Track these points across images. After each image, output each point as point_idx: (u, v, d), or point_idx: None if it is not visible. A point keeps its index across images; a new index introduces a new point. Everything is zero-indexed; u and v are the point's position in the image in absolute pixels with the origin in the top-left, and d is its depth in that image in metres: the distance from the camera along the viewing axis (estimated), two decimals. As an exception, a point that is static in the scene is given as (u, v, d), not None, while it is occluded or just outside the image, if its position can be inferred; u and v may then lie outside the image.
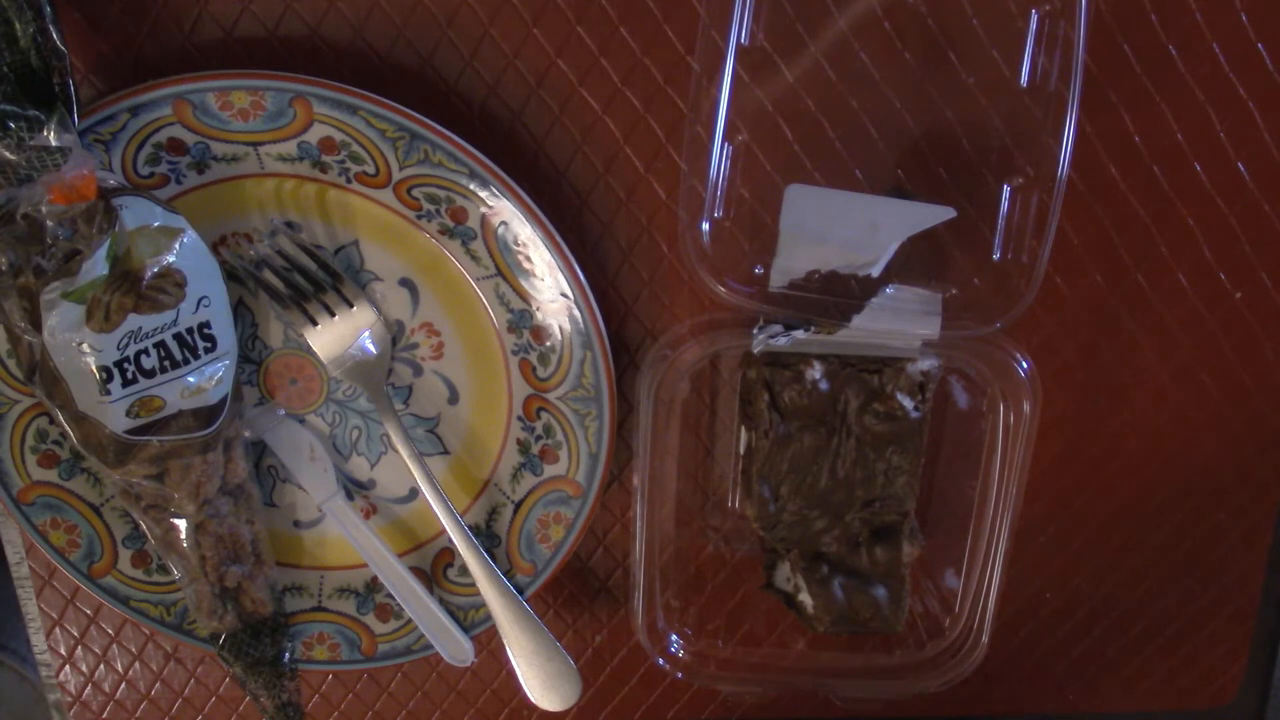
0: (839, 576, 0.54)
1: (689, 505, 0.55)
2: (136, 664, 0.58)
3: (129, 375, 0.45)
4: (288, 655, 0.53)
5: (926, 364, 0.51)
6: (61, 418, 0.46)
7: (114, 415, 0.46)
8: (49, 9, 0.41)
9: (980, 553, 0.53)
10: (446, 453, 0.54)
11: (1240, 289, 0.54)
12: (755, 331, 0.50)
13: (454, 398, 0.53)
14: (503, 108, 0.50)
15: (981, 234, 0.50)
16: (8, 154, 0.41)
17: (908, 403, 0.51)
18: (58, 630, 0.57)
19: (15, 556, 0.55)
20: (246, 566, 0.52)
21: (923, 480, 0.53)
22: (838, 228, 0.48)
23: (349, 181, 0.48)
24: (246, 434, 0.51)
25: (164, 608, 0.53)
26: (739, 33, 0.46)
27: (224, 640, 0.52)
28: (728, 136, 0.48)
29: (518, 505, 0.53)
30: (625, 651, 0.59)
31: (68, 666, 0.58)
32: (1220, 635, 0.61)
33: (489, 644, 0.57)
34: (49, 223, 0.42)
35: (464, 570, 0.53)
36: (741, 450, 0.54)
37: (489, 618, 0.53)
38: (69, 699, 0.59)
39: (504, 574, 0.53)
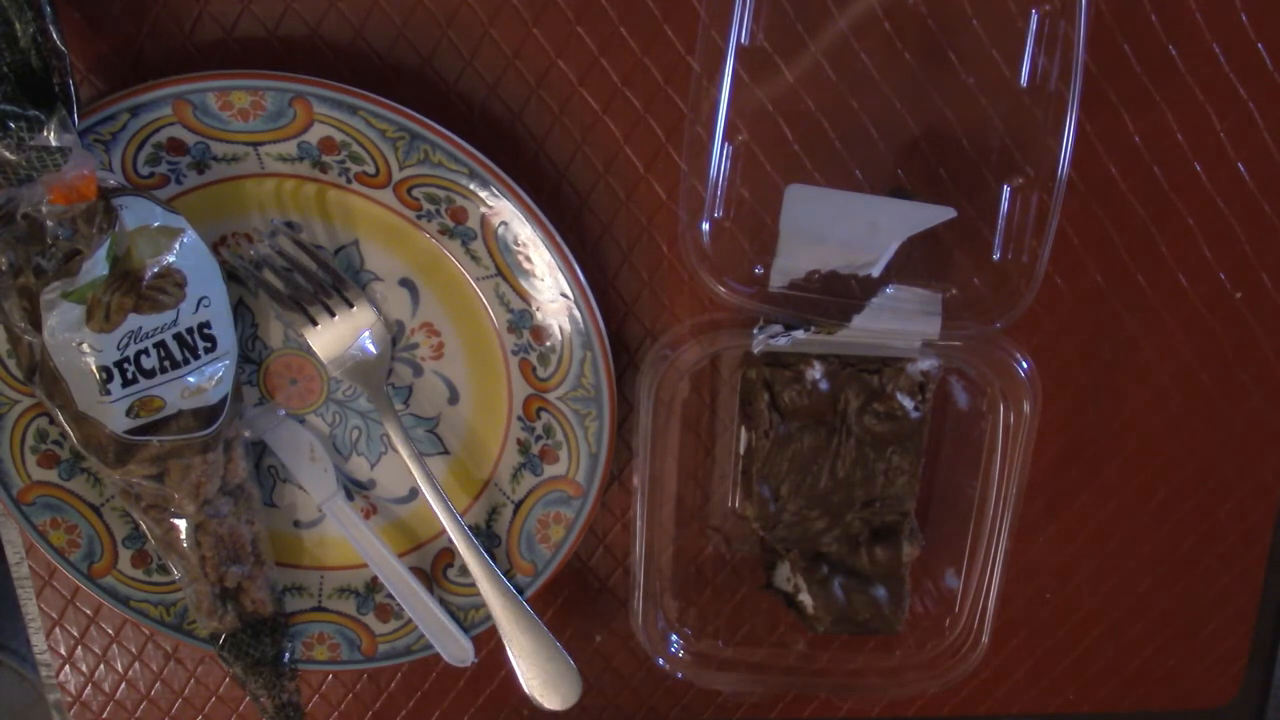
0: (839, 576, 0.54)
1: (689, 505, 0.55)
2: (136, 664, 0.58)
3: (129, 375, 0.45)
4: (288, 655, 0.53)
5: (926, 364, 0.51)
6: (61, 418, 0.46)
7: (114, 415, 0.46)
8: (49, 9, 0.41)
9: (980, 553, 0.53)
10: (446, 453, 0.54)
11: (1240, 289, 0.54)
12: (755, 331, 0.50)
13: (454, 398, 0.53)
14: (503, 108, 0.50)
15: (981, 234, 0.50)
16: (8, 154, 0.41)
17: (908, 403, 0.51)
18: (58, 630, 0.57)
19: (15, 556, 0.55)
20: (246, 566, 0.52)
21: (923, 480, 0.53)
22: (838, 228, 0.48)
23: (349, 181, 0.48)
24: (246, 434, 0.51)
25: (164, 608, 0.53)
26: (739, 33, 0.46)
27: (224, 640, 0.52)
28: (728, 136, 0.48)
29: (518, 505, 0.53)
30: (625, 651, 0.59)
31: (68, 666, 0.58)
32: (1220, 635, 0.61)
33: (489, 644, 0.57)
34: (49, 223, 0.42)
35: (464, 570, 0.53)
36: (741, 450, 0.54)
37: (489, 618, 0.53)
38: (69, 699, 0.59)
39: (504, 574, 0.53)
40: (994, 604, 0.53)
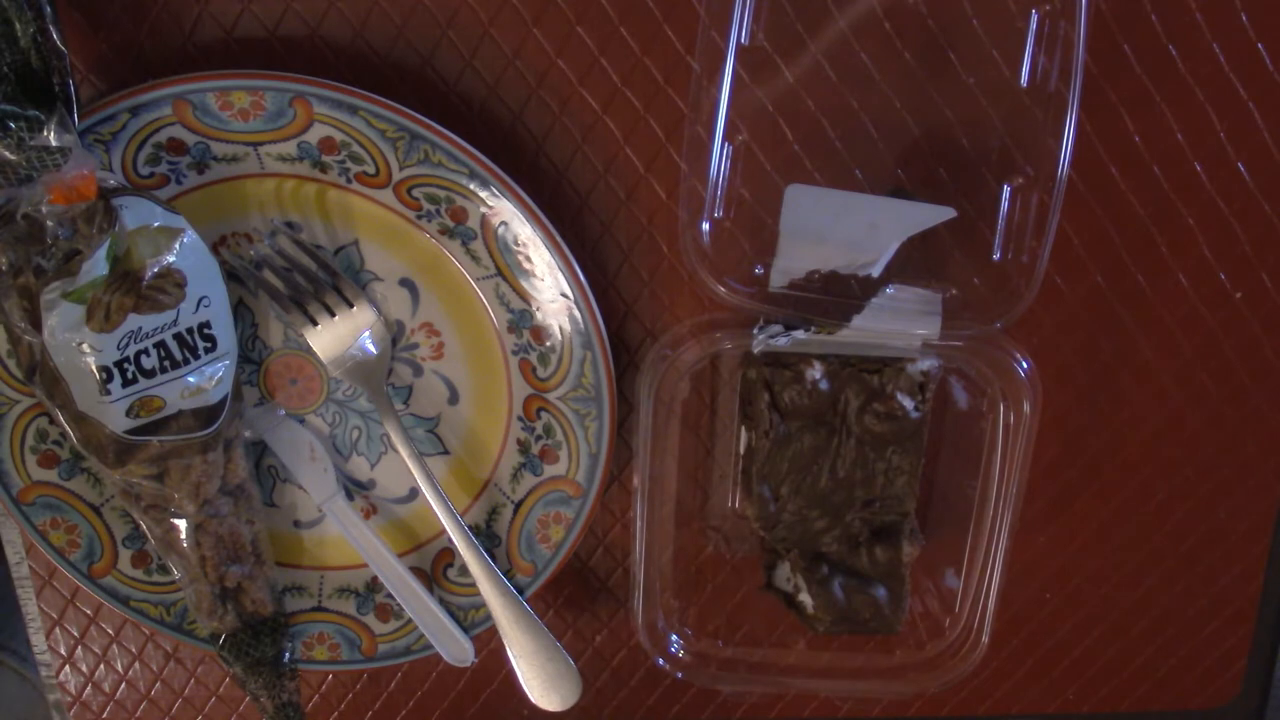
0: (839, 576, 0.54)
1: (689, 505, 0.55)
2: (136, 664, 0.58)
3: (129, 375, 0.45)
4: (288, 655, 0.53)
5: (926, 364, 0.51)
6: (61, 418, 0.46)
7: (114, 415, 0.46)
8: (49, 9, 0.41)
9: (980, 553, 0.53)
10: (446, 453, 0.54)
11: (1240, 289, 0.54)
12: (755, 331, 0.50)
13: (454, 398, 0.53)
14: (503, 108, 0.50)
15: (981, 234, 0.50)
16: (8, 154, 0.41)
17: (908, 403, 0.51)
18: (58, 630, 0.57)
19: (15, 556, 0.55)
20: (246, 566, 0.52)
21: (923, 480, 0.53)
22: (838, 228, 0.48)
23: (349, 181, 0.48)
24: (246, 434, 0.51)
25: (164, 608, 0.53)
26: (739, 33, 0.46)
27: (224, 640, 0.52)
28: (728, 136, 0.48)
29: (518, 505, 0.53)
30: (625, 651, 0.59)
31: (68, 666, 0.58)
32: (1220, 635, 0.61)
33: (489, 644, 0.57)
34: (49, 223, 0.42)
35: (464, 570, 0.53)
36: (741, 450, 0.54)
37: (489, 618, 0.53)
38: (69, 699, 0.59)
39: (504, 574, 0.53)
40: (994, 604, 0.53)
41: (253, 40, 0.48)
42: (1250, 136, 0.52)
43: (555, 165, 0.51)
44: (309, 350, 0.51)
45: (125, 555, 0.52)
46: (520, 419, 0.53)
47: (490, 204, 0.48)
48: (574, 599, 0.58)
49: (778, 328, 0.50)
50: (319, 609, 0.55)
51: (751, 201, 0.50)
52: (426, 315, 0.51)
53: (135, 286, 0.44)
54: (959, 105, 0.49)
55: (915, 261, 0.50)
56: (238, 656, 0.52)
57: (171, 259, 0.45)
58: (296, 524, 0.54)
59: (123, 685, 0.58)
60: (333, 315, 0.50)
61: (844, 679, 0.57)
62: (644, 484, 0.51)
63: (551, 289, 0.49)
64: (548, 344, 0.50)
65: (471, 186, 0.47)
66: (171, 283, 0.45)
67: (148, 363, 0.45)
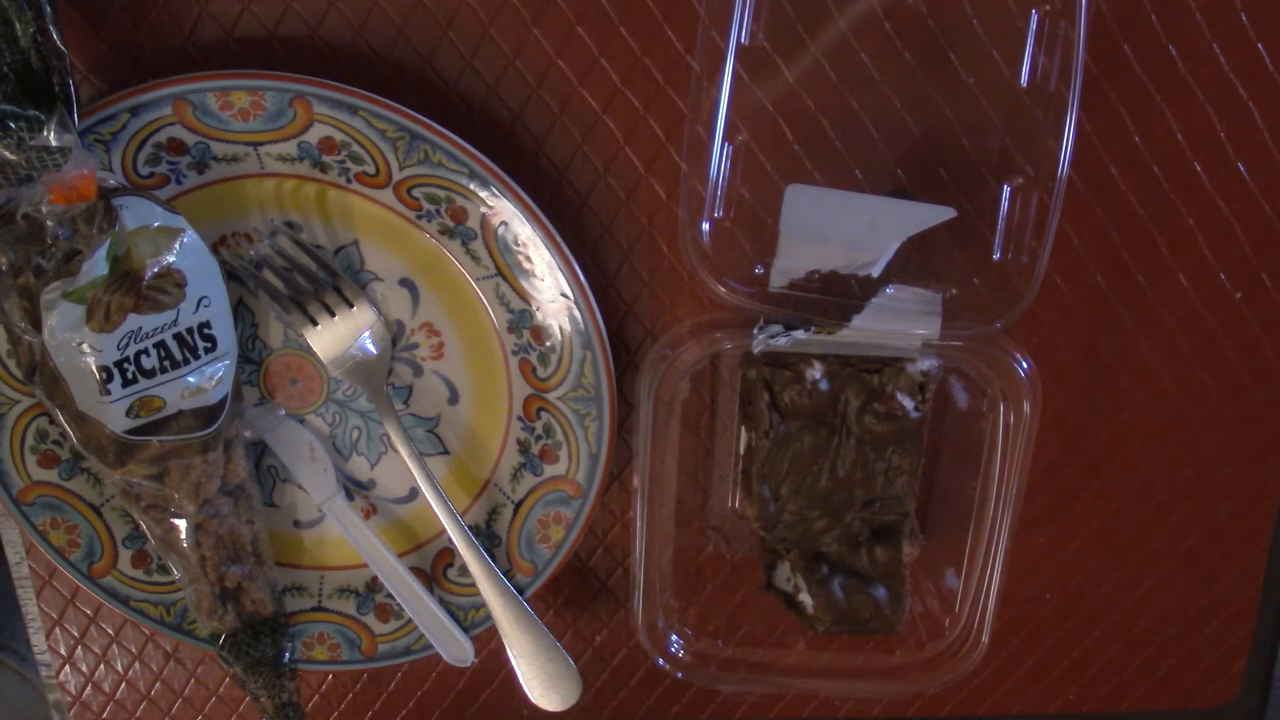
0: (839, 576, 0.54)
1: (689, 505, 0.55)
2: (136, 664, 0.58)
3: (129, 375, 0.45)
4: (288, 655, 0.53)
5: (926, 364, 0.51)
6: (61, 418, 0.46)
7: (114, 415, 0.46)
8: (49, 9, 0.41)
9: (980, 553, 0.53)
10: (446, 453, 0.54)
11: (1240, 289, 0.54)
12: (755, 331, 0.50)
13: (454, 398, 0.53)
14: (503, 108, 0.50)
15: (981, 234, 0.50)
16: (8, 154, 0.41)
17: (908, 403, 0.51)
18: (58, 630, 0.57)
19: (15, 556, 0.55)
20: (246, 566, 0.52)
21: (923, 480, 0.53)
22: (838, 228, 0.48)
23: (349, 181, 0.48)
24: (246, 434, 0.51)
25: (164, 608, 0.53)
26: (739, 33, 0.46)
27: (224, 640, 0.52)
28: (728, 136, 0.48)
29: (518, 505, 0.53)
30: (625, 651, 0.59)
31: (68, 666, 0.58)
32: (1220, 635, 0.61)
33: (489, 644, 0.57)
34: (49, 223, 0.42)
35: (464, 570, 0.53)
36: (741, 450, 0.54)
37: (489, 618, 0.53)
38: (69, 699, 0.59)
39: (504, 574, 0.53)
40: (994, 604, 0.53)
41: (253, 40, 0.48)
42: (1250, 136, 0.52)
43: (555, 165, 0.51)
44: (309, 350, 0.51)
45: (125, 555, 0.52)
46: (520, 419, 0.53)
47: (490, 204, 0.48)
48: (574, 599, 0.58)
49: (778, 328, 0.50)
50: (319, 609, 0.55)
51: (751, 201, 0.50)
52: (426, 315, 0.51)
53: (135, 286, 0.44)
54: (959, 105, 0.49)
55: (915, 261, 0.50)
56: (238, 656, 0.52)
57: (171, 259, 0.45)
58: (296, 524, 0.54)
59: (123, 685, 0.58)
60: (333, 315, 0.50)
61: (844, 679, 0.57)
62: (644, 484, 0.51)
63: (551, 289, 0.49)
64: (548, 344, 0.50)
65: (471, 186, 0.47)
66: (171, 283, 0.45)
67: (148, 363, 0.45)
